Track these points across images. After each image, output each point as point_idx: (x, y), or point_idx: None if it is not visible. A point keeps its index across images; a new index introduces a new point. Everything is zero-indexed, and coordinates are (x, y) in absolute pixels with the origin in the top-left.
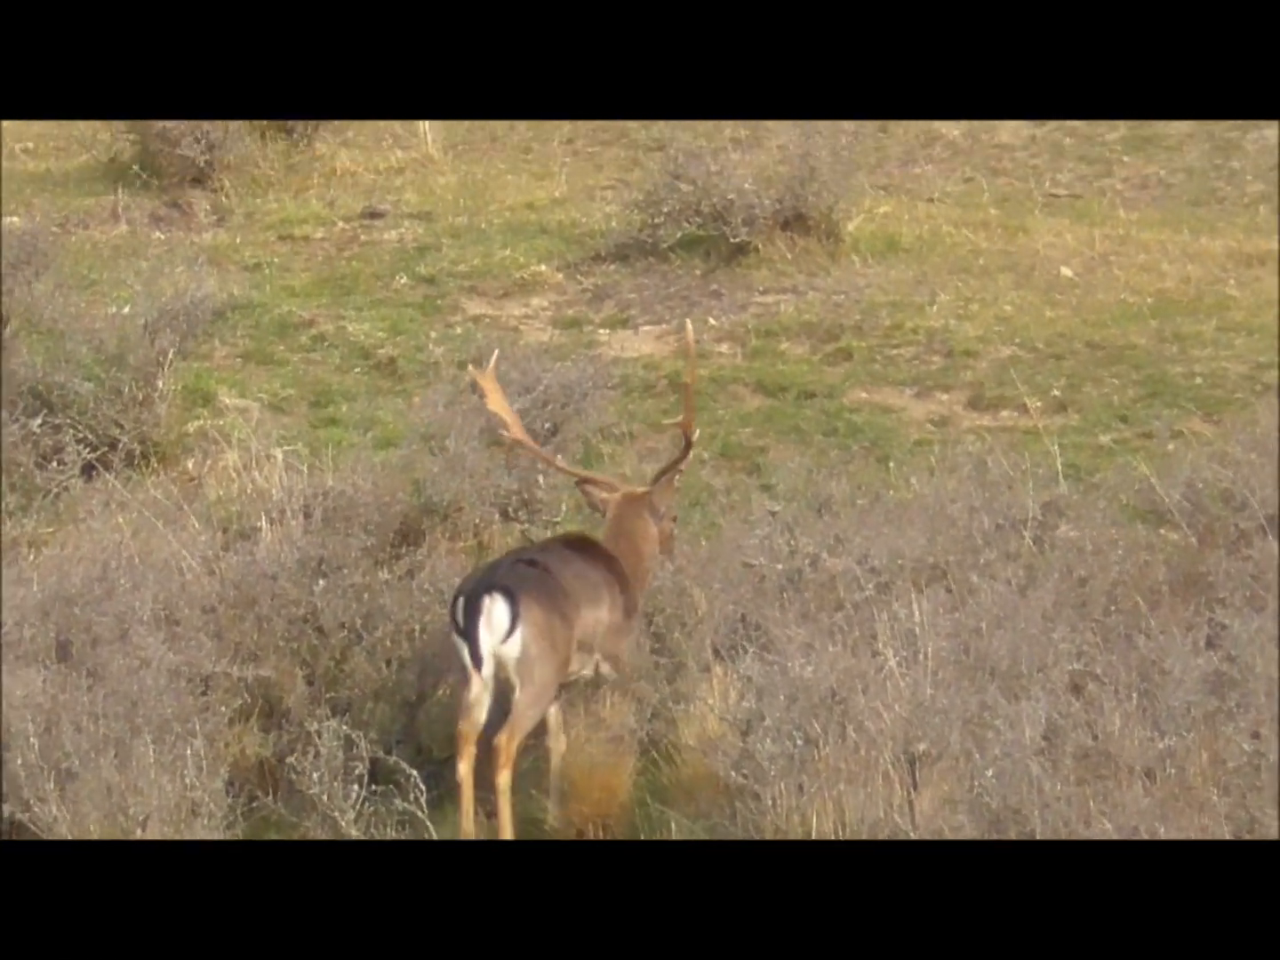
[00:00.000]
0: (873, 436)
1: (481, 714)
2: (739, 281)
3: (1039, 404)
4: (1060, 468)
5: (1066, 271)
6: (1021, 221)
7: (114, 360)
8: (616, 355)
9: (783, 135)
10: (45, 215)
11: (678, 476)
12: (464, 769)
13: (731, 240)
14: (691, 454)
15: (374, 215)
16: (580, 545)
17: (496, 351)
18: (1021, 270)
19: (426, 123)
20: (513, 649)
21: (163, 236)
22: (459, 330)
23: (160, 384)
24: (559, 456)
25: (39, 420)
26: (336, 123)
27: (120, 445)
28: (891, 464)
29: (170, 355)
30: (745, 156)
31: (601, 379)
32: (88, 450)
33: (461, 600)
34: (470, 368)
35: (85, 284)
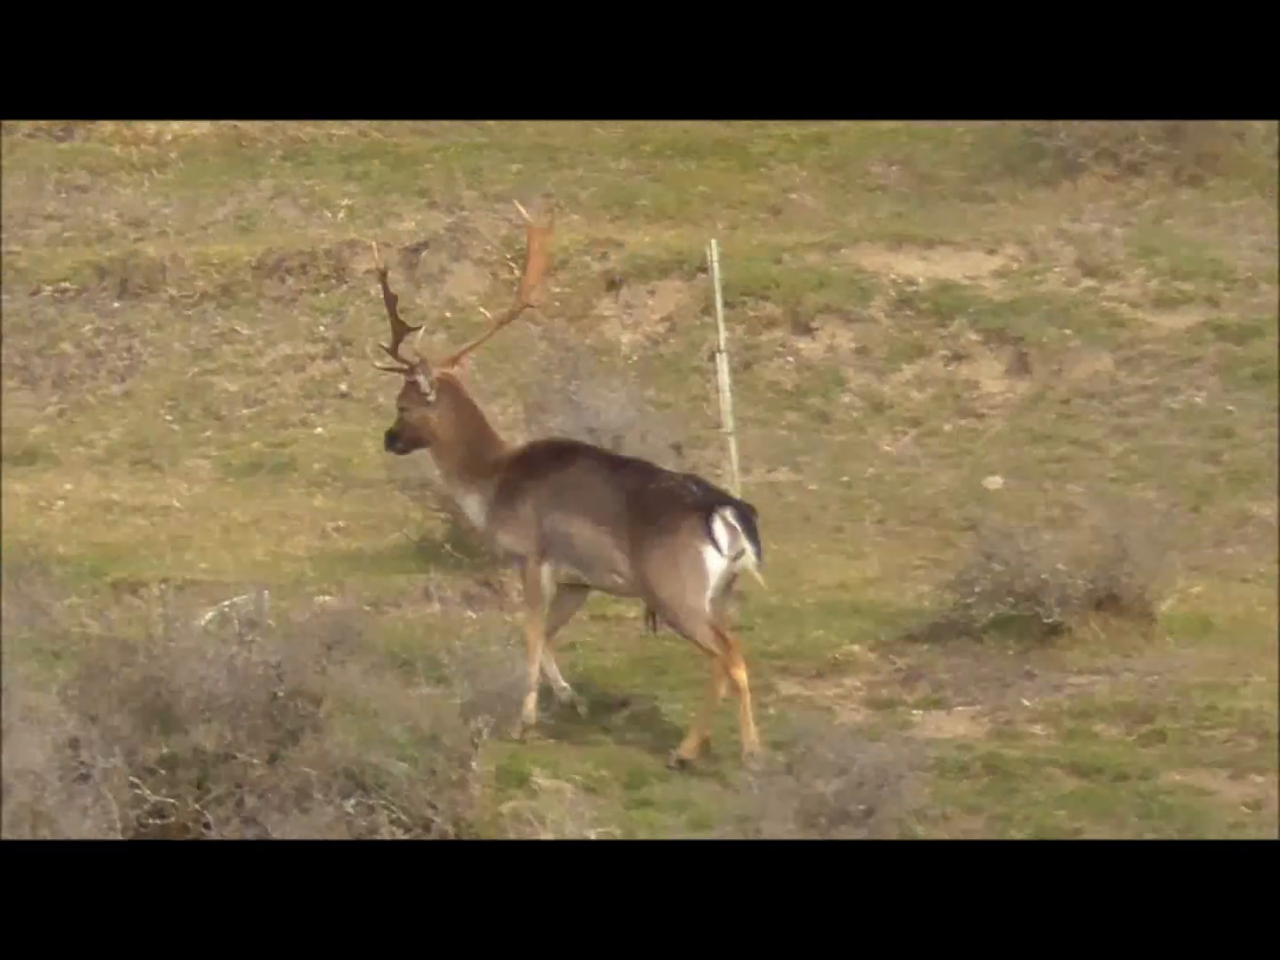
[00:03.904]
0: (1186, 820)
1: None
2: (1052, 662)
3: None
4: None
5: None
6: None
7: (428, 741)
8: (930, 736)
9: (1094, 514)
10: (357, 595)
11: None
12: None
13: (1045, 620)
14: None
15: None
16: None
17: None
18: None
19: (737, 484)
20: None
21: (475, 616)
22: (772, 711)
23: (474, 765)
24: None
25: (353, 801)
26: None
27: (433, 826)
28: None
29: (485, 736)
30: (1057, 536)
31: (916, 760)
32: (402, 831)
33: (731, 514)
34: None
35: (399, 664)
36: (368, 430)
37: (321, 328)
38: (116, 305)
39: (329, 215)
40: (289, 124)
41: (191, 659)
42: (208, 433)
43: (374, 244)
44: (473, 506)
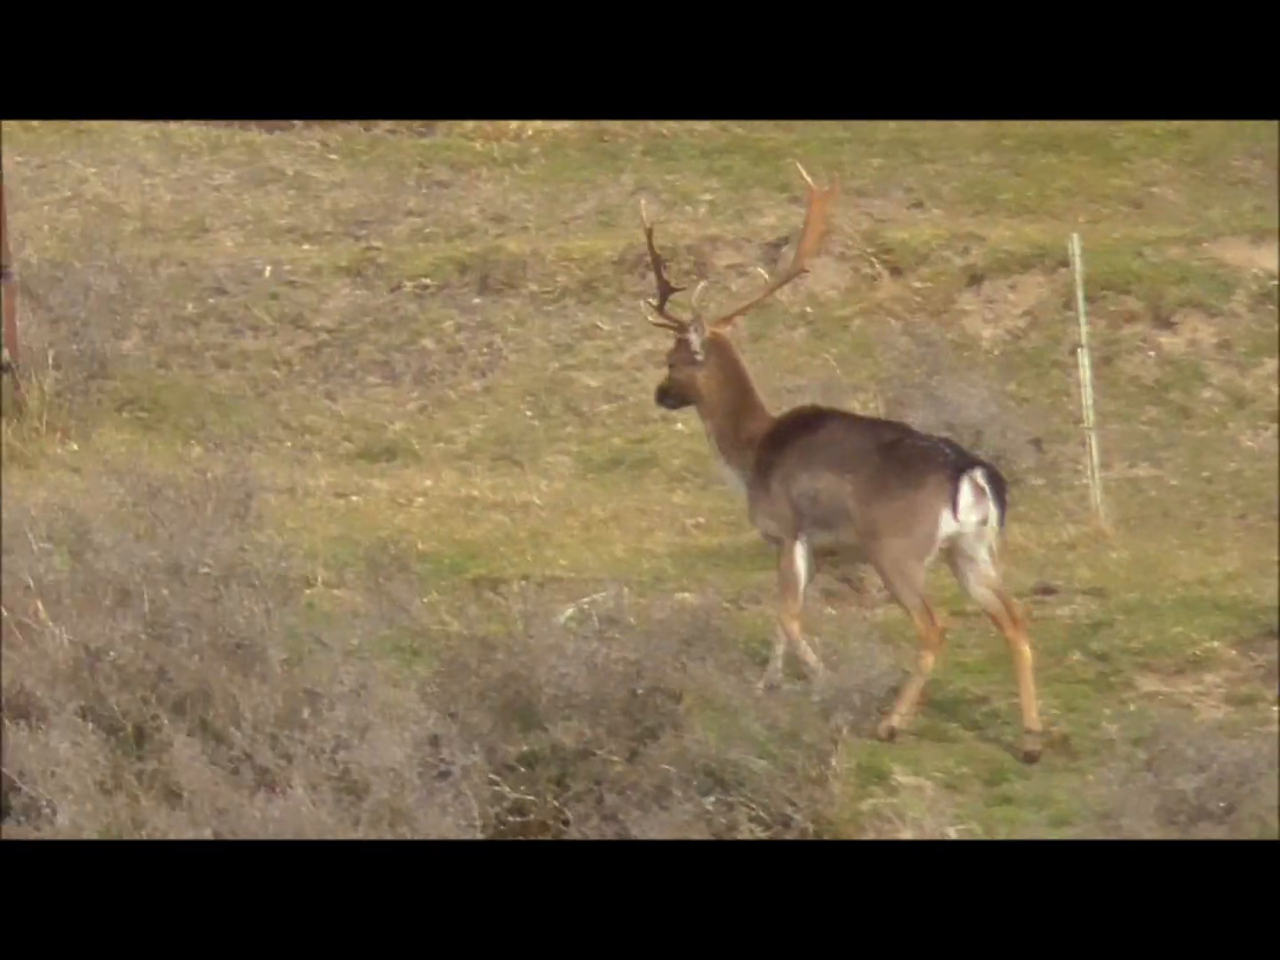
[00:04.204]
0: None
1: None
2: None
3: None
4: None
5: None
6: None
7: (788, 737)
8: None
9: None
10: (717, 591)
11: None
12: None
13: None
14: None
15: (1046, 591)
16: None
17: None
18: None
19: (1099, 495)
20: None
21: (835, 612)
22: (1132, 707)
23: (834, 761)
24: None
25: (712, 798)
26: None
27: (793, 823)
28: None
29: (844, 732)
30: None
31: (1276, 757)
32: (761, 829)
33: (981, 475)
34: None
35: (759, 661)
36: None
37: None
38: (477, 301)
39: (690, 210)
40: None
41: (551, 656)
42: (568, 428)
43: (642, 202)
44: (731, 478)
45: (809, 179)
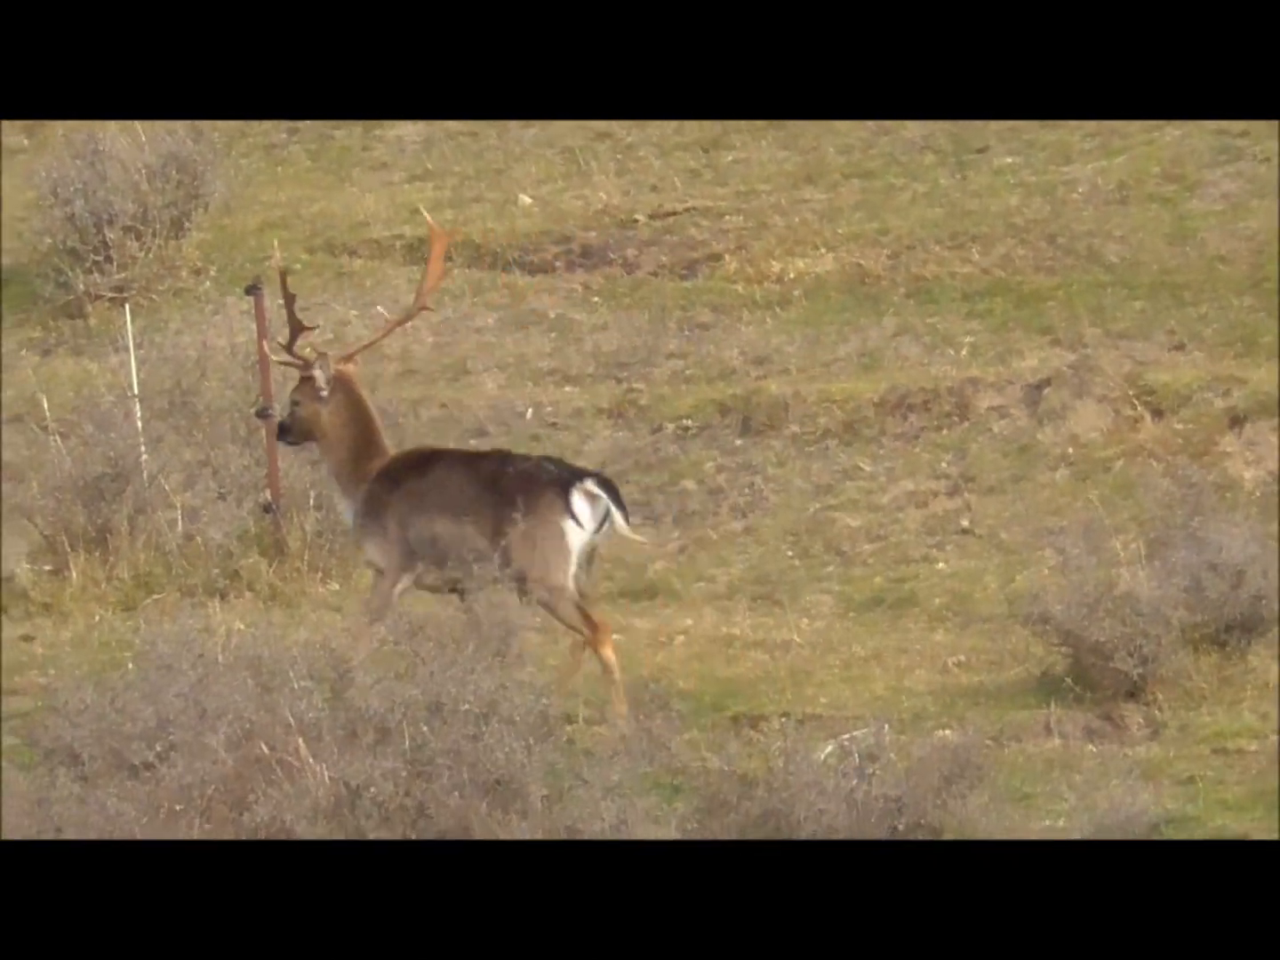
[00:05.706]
0: None
1: None
2: None
3: None
4: None
5: None
6: None
7: None
8: None
9: None
10: (978, 729)
11: None
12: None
13: None
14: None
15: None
16: None
17: None
18: None
19: None
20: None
21: (1095, 750)
22: None
23: None
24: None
25: None
26: (1269, 635)
27: None
28: None
29: None
30: None
31: None
32: None
33: (593, 483)
34: None
35: (1019, 797)
36: (989, 566)
37: (944, 464)
38: (739, 442)
39: (951, 353)
40: (912, 262)
41: (811, 793)
42: (829, 568)
43: (275, 244)
44: (346, 512)
45: (431, 220)
